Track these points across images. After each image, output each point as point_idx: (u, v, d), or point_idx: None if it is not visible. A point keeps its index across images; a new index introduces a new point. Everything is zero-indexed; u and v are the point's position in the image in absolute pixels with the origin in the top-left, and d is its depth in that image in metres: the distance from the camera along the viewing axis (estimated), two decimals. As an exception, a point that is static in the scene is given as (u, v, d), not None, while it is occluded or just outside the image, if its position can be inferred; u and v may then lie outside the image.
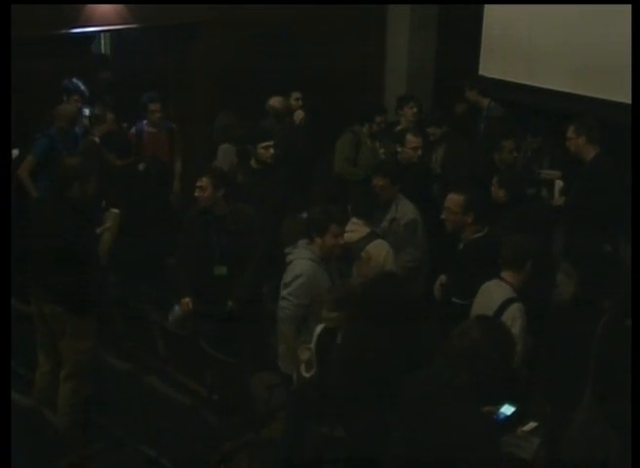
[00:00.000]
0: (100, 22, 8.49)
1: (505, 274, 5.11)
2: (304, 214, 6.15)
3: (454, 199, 5.66)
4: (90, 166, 5.55)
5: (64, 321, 5.51)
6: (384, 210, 6.33)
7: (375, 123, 8.06)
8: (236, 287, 6.17)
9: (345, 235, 5.54)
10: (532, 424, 4.20)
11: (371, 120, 8.04)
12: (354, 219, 5.81)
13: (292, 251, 5.38)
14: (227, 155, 7.78)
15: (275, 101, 8.37)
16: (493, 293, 5.10)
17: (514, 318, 4.90)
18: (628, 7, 5.70)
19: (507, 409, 4.13)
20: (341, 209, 5.71)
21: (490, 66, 9.30)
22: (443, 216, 5.74)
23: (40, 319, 5.62)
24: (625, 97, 6.26)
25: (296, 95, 8.62)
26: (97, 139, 7.56)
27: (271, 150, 7.04)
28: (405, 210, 6.34)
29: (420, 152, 7.21)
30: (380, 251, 5.65)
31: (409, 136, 7.27)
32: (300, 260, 5.26)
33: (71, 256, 5.32)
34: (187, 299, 6.25)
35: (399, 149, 7.31)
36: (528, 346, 4.96)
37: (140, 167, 7.03)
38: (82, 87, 8.02)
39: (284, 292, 5.25)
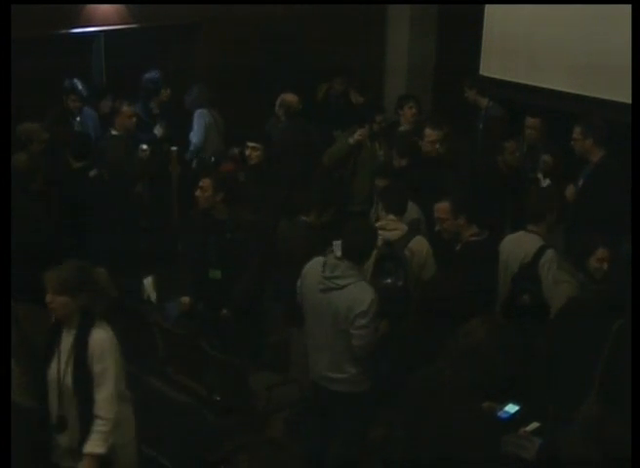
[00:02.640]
0: (100, 22, 8.49)
1: (531, 226, 5.71)
2: (303, 218, 6.14)
3: (441, 207, 5.68)
4: (36, 163, 5.60)
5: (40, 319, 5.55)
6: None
7: (375, 123, 8.04)
8: (233, 294, 6.19)
9: (388, 233, 5.62)
10: (534, 424, 4.19)
11: (371, 120, 8.02)
12: (390, 216, 5.82)
13: (336, 274, 5.04)
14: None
15: (290, 97, 8.27)
16: (524, 243, 5.67)
17: (551, 261, 5.52)
18: (628, 7, 5.70)
19: (511, 408, 4.14)
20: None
21: (490, 66, 9.29)
22: (437, 228, 5.75)
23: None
24: (625, 96, 6.25)
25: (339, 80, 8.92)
26: (115, 132, 7.54)
27: (258, 152, 7.06)
28: (408, 210, 6.31)
29: (437, 146, 7.15)
30: (422, 247, 5.63)
31: (427, 130, 7.21)
32: (359, 284, 5.02)
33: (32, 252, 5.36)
34: (187, 299, 6.30)
35: (420, 142, 7.27)
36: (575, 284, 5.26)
37: (92, 173, 6.92)
38: (80, 86, 7.97)
39: (363, 322, 4.95)
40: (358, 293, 4.98)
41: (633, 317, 4.17)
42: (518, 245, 5.72)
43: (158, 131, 8.22)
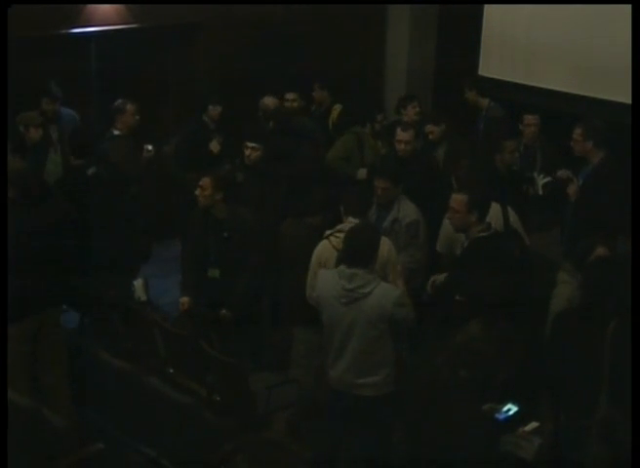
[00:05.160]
0: (100, 22, 8.48)
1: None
2: (309, 219, 6.14)
3: (457, 199, 5.69)
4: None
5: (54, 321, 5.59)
6: (386, 210, 6.30)
7: (376, 121, 8.04)
8: (232, 294, 6.21)
9: None
10: (533, 424, 4.19)
11: (372, 119, 8.02)
12: (350, 219, 5.81)
13: (358, 284, 5.03)
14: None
15: (268, 101, 8.27)
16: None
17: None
18: (628, 7, 5.70)
19: (509, 409, 4.13)
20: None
21: (489, 66, 9.29)
22: (448, 216, 5.76)
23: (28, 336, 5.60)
24: (625, 97, 6.25)
25: (291, 95, 8.55)
26: (117, 132, 7.48)
27: (257, 152, 7.06)
28: (407, 210, 6.31)
29: (406, 146, 7.13)
30: (382, 246, 5.65)
31: (398, 131, 7.25)
32: (381, 286, 5.06)
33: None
34: (185, 299, 6.31)
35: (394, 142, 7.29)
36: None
37: (90, 171, 6.91)
38: (54, 88, 7.86)
39: (400, 314, 5.05)
40: (383, 297, 5.02)
41: (633, 317, 4.17)
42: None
43: (214, 147, 7.86)
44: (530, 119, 7.60)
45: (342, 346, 5.17)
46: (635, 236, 4.73)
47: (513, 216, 6.05)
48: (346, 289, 5.03)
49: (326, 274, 5.26)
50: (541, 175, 7.00)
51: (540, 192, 6.98)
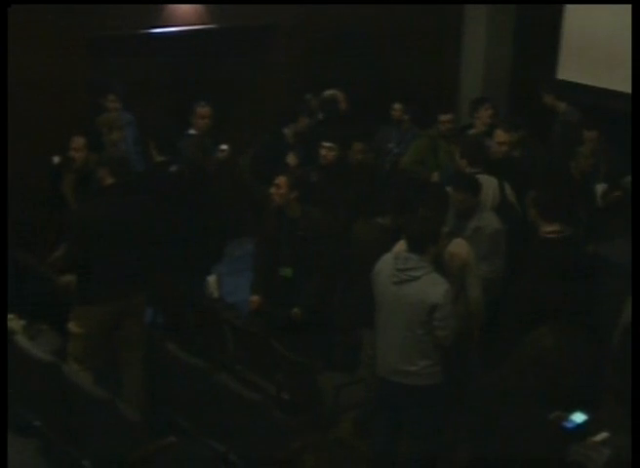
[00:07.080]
0: (180, 22, 8.59)
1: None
2: (379, 219, 6.14)
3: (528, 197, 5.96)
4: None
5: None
6: (466, 219, 6.18)
7: (439, 122, 7.99)
8: (304, 294, 6.26)
9: None
10: (603, 434, 4.11)
11: (434, 120, 7.99)
12: None
13: (409, 266, 5.11)
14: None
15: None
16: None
17: None
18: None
19: (578, 417, 4.06)
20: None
21: (569, 70, 9.17)
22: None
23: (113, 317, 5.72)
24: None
25: (397, 105, 8.46)
26: (193, 131, 7.55)
27: (333, 152, 7.08)
28: (489, 219, 6.18)
29: (502, 147, 7.07)
30: (461, 249, 5.62)
31: (498, 131, 7.18)
32: (431, 275, 5.10)
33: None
34: (256, 297, 6.37)
35: (488, 142, 7.22)
36: None
37: (173, 168, 6.99)
38: (117, 86, 7.97)
39: (442, 314, 5.03)
40: (430, 285, 5.07)
41: (633, 318, 4.10)
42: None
43: (292, 160, 7.54)
44: (587, 135, 7.48)
45: (389, 331, 5.24)
46: (635, 236, 4.67)
47: (509, 190, 6.26)
48: (399, 268, 5.14)
49: (386, 255, 5.35)
50: (603, 184, 6.94)
51: (603, 202, 6.92)
